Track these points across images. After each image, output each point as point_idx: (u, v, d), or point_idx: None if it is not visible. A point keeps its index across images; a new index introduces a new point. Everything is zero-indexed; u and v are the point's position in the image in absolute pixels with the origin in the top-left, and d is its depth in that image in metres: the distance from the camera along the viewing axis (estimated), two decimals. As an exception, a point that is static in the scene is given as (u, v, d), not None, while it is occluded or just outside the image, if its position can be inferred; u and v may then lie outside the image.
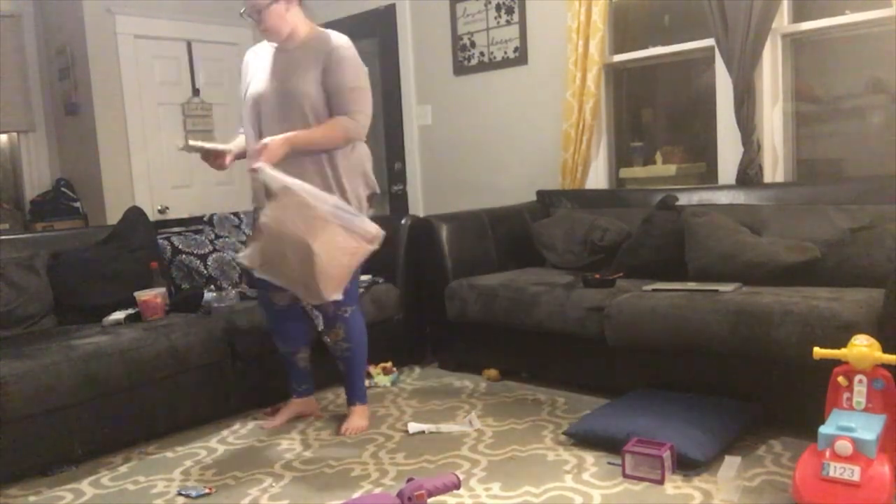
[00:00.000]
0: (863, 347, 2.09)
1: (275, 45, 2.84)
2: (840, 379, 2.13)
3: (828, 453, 2.00)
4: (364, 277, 3.64)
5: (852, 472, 1.95)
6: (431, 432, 2.84)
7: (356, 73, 2.71)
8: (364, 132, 2.75)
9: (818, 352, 2.16)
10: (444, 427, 2.88)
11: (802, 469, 2.04)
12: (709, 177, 3.80)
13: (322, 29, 2.81)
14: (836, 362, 2.15)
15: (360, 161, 2.81)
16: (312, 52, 2.72)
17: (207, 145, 2.73)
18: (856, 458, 1.96)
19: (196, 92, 5.24)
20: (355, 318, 2.87)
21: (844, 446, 1.97)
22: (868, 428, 1.99)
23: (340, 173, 2.72)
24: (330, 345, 2.91)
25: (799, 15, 3.45)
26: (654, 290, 2.94)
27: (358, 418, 2.94)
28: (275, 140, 2.56)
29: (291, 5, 2.77)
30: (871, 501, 1.91)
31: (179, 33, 5.14)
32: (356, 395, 2.99)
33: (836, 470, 1.97)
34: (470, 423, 2.90)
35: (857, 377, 2.11)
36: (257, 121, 2.77)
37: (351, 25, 5.12)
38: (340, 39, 2.75)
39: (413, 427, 2.88)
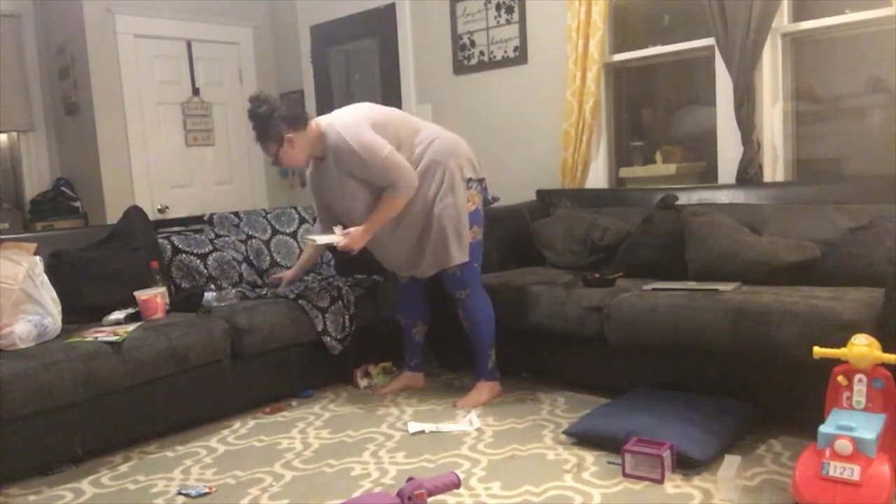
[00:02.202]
0: (862, 347, 2.09)
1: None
2: (840, 378, 2.13)
3: (828, 452, 2.00)
4: (361, 277, 3.65)
5: (852, 472, 1.95)
6: (431, 432, 2.84)
7: (368, 153, 2.93)
8: (411, 186, 2.98)
9: (818, 351, 2.16)
10: (444, 426, 2.88)
11: (802, 468, 2.04)
12: (709, 176, 3.80)
13: (324, 126, 3.02)
14: (836, 362, 2.15)
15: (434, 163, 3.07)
16: (334, 160, 3.00)
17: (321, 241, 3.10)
18: (856, 457, 1.95)
19: (196, 91, 5.24)
20: (473, 300, 3.14)
21: (844, 445, 1.97)
22: (868, 427, 1.99)
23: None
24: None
25: (799, 14, 3.45)
26: (653, 290, 2.94)
27: (475, 393, 3.18)
28: (357, 230, 2.98)
29: (296, 138, 3.01)
30: (871, 500, 1.91)
31: (179, 33, 5.13)
32: (478, 371, 3.21)
33: (836, 469, 1.97)
34: (470, 423, 2.90)
35: (857, 376, 2.11)
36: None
37: (351, 25, 5.13)
38: (335, 136, 2.97)
39: (413, 427, 2.88)
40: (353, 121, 2.99)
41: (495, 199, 3.37)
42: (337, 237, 3.01)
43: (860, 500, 1.92)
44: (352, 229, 3.00)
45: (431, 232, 3.06)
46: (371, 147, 2.92)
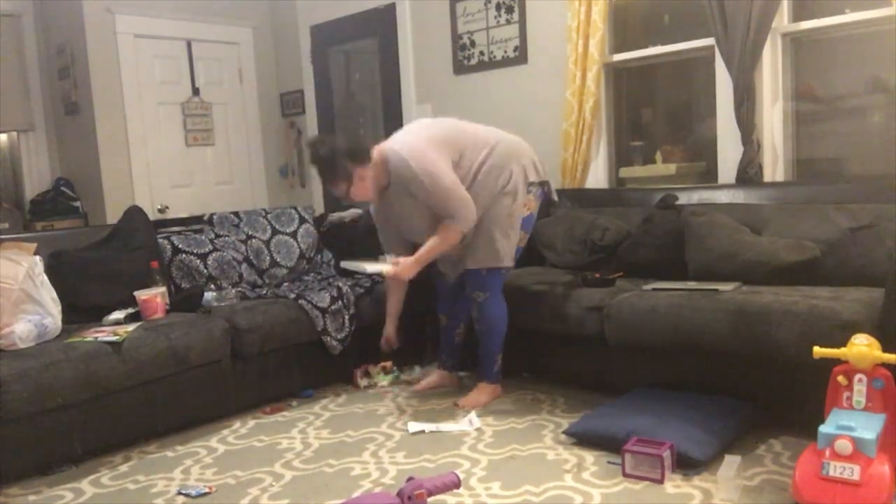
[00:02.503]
0: (862, 347, 2.09)
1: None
2: (840, 378, 2.13)
3: (828, 452, 2.00)
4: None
5: (852, 472, 1.95)
6: (431, 431, 2.84)
7: (431, 181, 2.90)
8: (470, 220, 2.97)
9: (818, 351, 2.16)
10: (444, 426, 2.88)
11: (802, 468, 2.04)
12: (709, 176, 3.80)
13: (387, 151, 2.97)
14: (836, 361, 2.15)
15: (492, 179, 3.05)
16: (399, 186, 2.97)
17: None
18: (856, 457, 1.95)
19: (196, 91, 5.24)
20: (491, 304, 3.12)
21: (844, 445, 1.97)
22: (868, 427, 1.99)
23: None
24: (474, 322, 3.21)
25: (799, 14, 3.45)
26: (653, 290, 2.94)
27: (476, 393, 3.19)
28: (407, 260, 2.98)
29: (364, 171, 2.95)
30: (871, 501, 1.91)
31: (179, 33, 5.13)
32: (482, 373, 3.22)
33: (836, 469, 1.97)
34: (470, 423, 2.90)
35: (857, 376, 2.11)
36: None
37: (351, 25, 5.13)
38: (397, 160, 2.93)
39: (413, 426, 2.88)
40: (414, 143, 2.94)
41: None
42: (386, 266, 2.99)
43: (860, 500, 1.92)
44: (402, 259, 3.00)
45: (482, 230, 3.04)
46: (434, 175, 2.89)
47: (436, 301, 3.38)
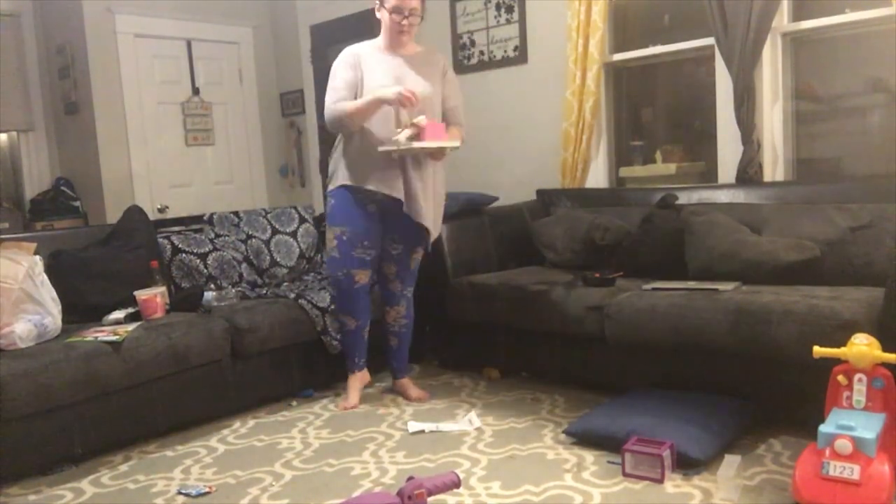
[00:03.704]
0: (862, 346, 2.09)
1: (386, 50, 3.10)
2: (840, 378, 2.13)
3: (827, 452, 2.00)
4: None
5: (852, 471, 1.95)
6: (431, 431, 2.84)
7: (460, 91, 3.22)
8: (462, 141, 3.14)
9: (818, 350, 2.16)
10: (444, 426, 2.88)
11: (802, 468, 2.04)
12: (709, 176, 3.80)
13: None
14: (836, 361, 2.15)
15: None
16: (432, 65, 3.11)
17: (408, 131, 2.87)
18: (856, 456, 1.96)
19: (196, 91, 5.24)
20: (412, 299, 3.30)
21: (844, 445, 1.97)
22: (868, 427, 1.99)
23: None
24: (389, 321, 3.29)
25: (799, 14, 3.45)
26: (653, 289, 2.94)
27: (415, 387, 3.32)
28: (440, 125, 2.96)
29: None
30: (871, 500, 1.91)
31: (179, 32, 5.13)
32: (403, 369, 3.36)
33: (835, 469, 1.97)
34: (470, 422, 2.90)
35: (857, 376, 2.11)
36: (395, 111, 2.96)
37: (351, 24, 5.12)
38: (440, 54, 3.22)
39: (413, 426, 2.88)
40: None
41: None
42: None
43: (860, 500, 1.92)
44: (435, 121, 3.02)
45: (439, 195, 3.16)
46: (458, 86, 3.27)
47: (353, 305, 3.18)
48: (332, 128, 3.06)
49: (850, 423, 2.00)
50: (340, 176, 3.07)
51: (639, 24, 4.09)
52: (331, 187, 3.13)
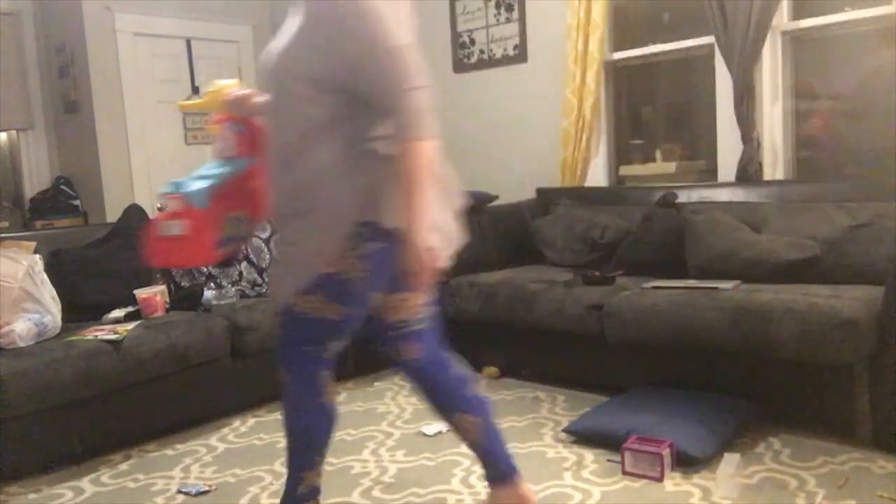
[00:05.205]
0: (214, 90, 2.04)
1: None
2: (210, 128, 2.09)
3: (163, 214, 2.00)
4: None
5: (180, 227, 1.93)
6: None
7: (374, 29, 1.87)
8: (429, 129, 2.06)
9: (183, 105, 2.03)
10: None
11: (148, 232, 2.01)
12: (708, 174, 3.80)
13: None
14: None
15: None
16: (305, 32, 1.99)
17: None
18: (186, 212, 1.93)
19: (195, 90, 5.22)
20: None
21: (173, 203, 1.94)
22: (208, 178, 1.96)
23: None
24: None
25: (799, 12, 3.44)
26: (653, 288, 2.94)
27: None
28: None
29: None
30: (198, 247, 1.94)
31: (179, 31, 5.13)
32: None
33: (169, 228, 1.95)
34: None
35: (225, 125, 2.06)
36: None
37: (350, 23, 5.12)
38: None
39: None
40: None
41: None
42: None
43: (191, 251, 1.95)
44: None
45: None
46: (383, 23, 1.90)
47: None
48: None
49: (182, 181, 1.96)
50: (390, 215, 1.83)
51: (638, 22, 4.09)
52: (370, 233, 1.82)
